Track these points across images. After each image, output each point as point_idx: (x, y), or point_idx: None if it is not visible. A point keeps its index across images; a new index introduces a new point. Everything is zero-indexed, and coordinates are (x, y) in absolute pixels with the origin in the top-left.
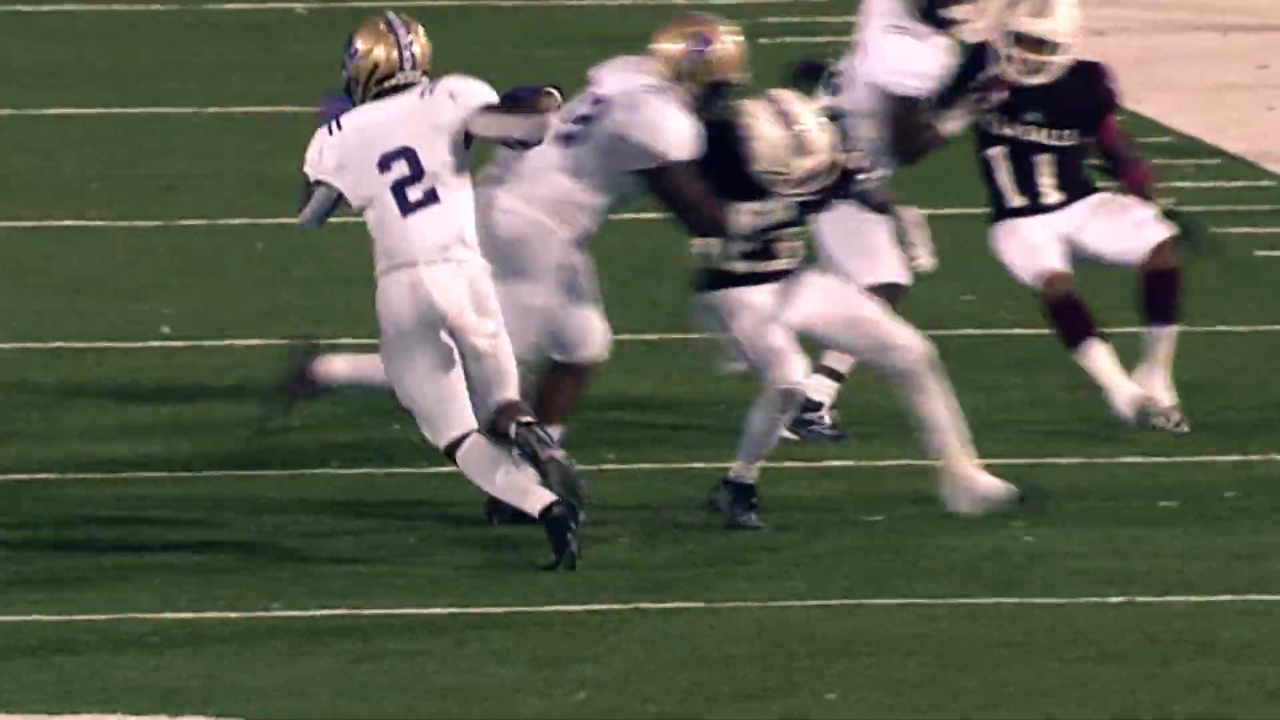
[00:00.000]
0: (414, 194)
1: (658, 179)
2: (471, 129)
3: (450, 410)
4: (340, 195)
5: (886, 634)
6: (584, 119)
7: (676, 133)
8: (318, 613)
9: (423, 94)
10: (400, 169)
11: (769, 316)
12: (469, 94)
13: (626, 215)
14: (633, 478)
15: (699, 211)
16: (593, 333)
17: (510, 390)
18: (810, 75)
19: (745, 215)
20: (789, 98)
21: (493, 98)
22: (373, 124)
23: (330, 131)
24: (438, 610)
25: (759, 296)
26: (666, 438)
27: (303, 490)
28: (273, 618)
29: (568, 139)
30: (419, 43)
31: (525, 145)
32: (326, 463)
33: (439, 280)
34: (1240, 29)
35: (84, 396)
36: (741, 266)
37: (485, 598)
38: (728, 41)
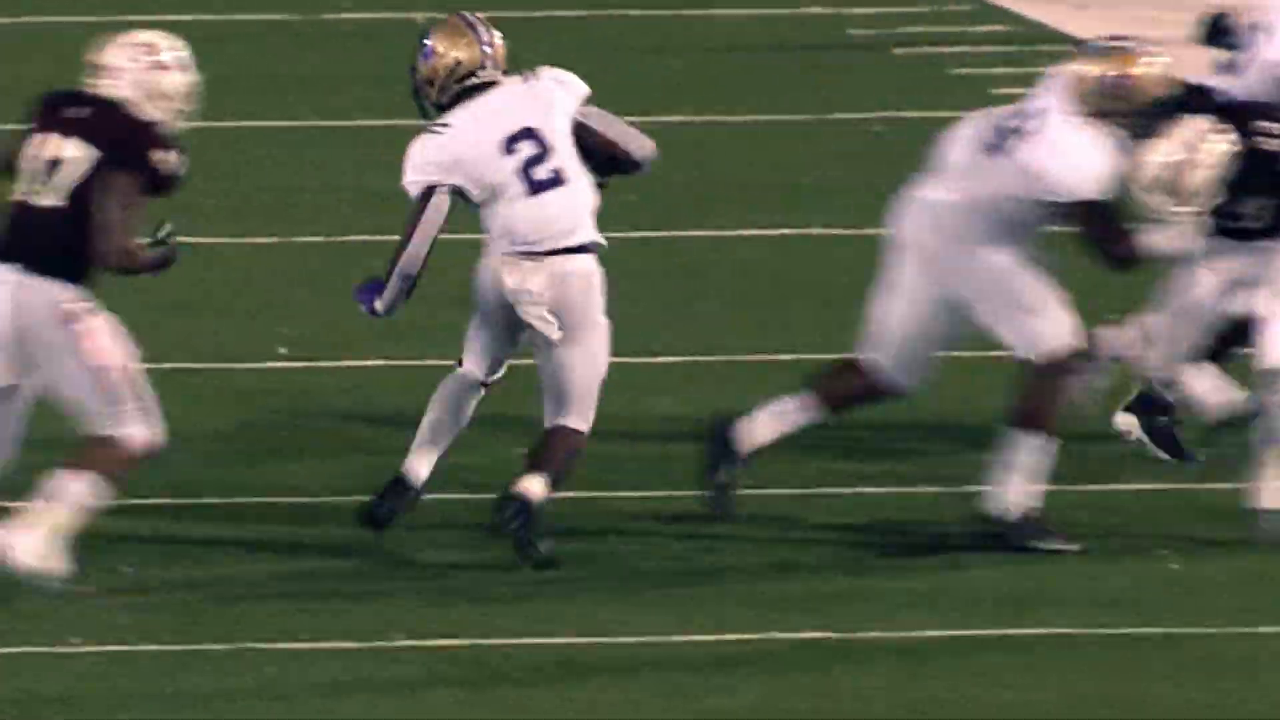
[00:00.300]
0: (541, 173)
1: (1068, 211)
2: (584, 117)
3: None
4: (457, 195)
5: (1027, 665)
6: (1009, 131)
7: (1087, 173)
8: (441, 642)
9: (527, 80)
10: (526, 149)
11: (1201, 303)
12: (574, 83)
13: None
14: (766, 502)
15: (1108, 248)
16: (1062, 325)
17: (563, 416)
18: (1219, 32)
19: (1160, 239)
20: (1195, 133)
21: (588, 91)
22: (486, 111)
23: (432, 134)
24: (562, 640)
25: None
26: (802, 459)
27: (424, 516)
28: (394, 648)
29: (991, 148)
30: (496, 43)
31: (620, 162)
32: (448, 488)
33: (527, 275)
34: None
35: (197, 419)
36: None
37: (612, 628)
38: (1150, 62)
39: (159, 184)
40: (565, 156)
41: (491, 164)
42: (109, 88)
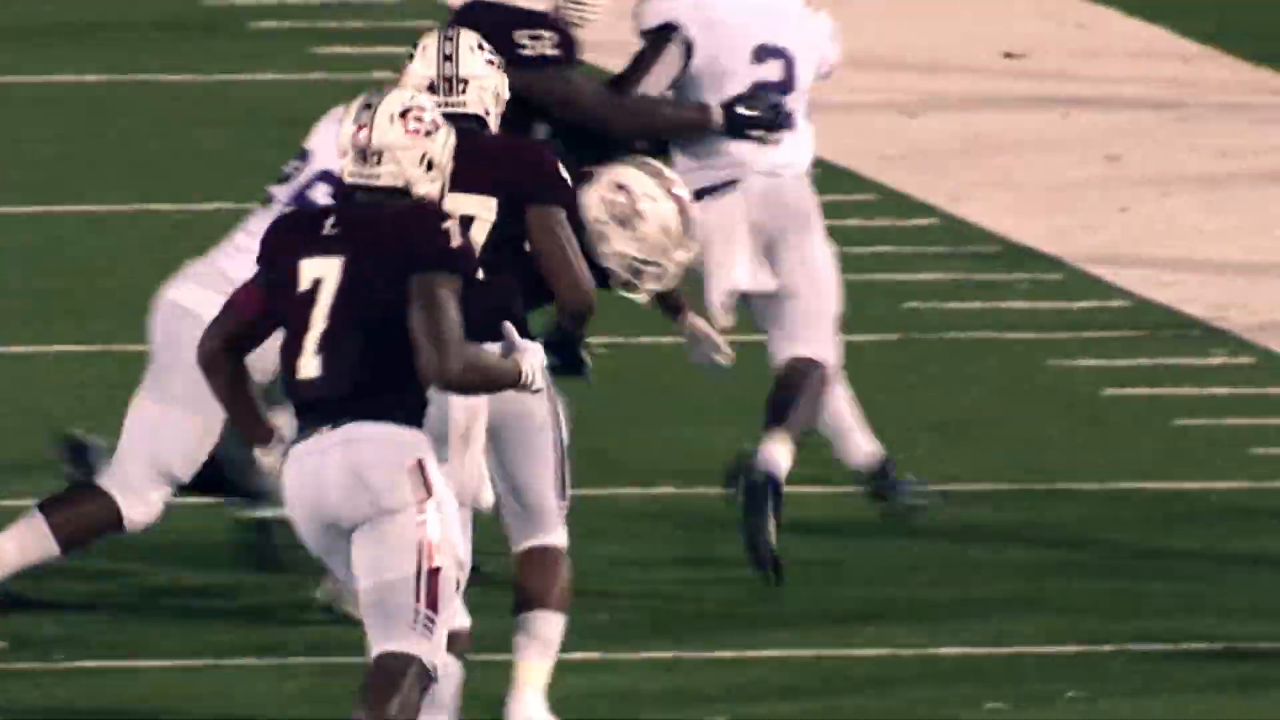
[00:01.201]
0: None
1: None
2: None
3: None
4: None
5: None
6: None
7: None
8: None
9: (807, 3)
10: (772, 70)
11: None
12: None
13: None
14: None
15: None
16: None
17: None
18: None
19: None
20: None
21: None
22: (757, 5)
23: None
24: None
25: None
26: None
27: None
28: None
29: None
30: None
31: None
32: None
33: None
34: (1087, 105)
35: None
36: None
37: None
38: None
39: None
40: (804, 102)
41: (734, 60)
42: None
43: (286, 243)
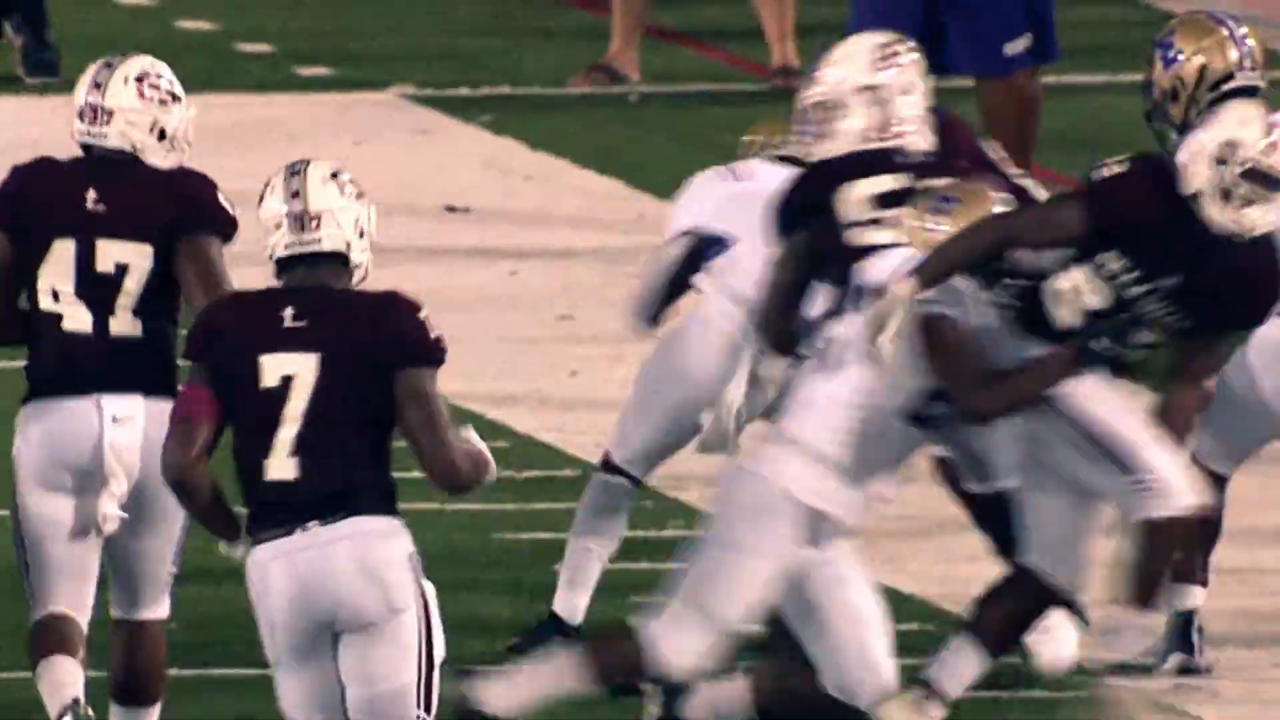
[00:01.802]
0: None
1: None
2: None
3: None
4: None
5: None
6: None
7: None
8: None
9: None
10: None
11: None
12: None
13: None
14: None
15: None
16: None
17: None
18: None
19: None
20: None
21: None
22: None
23: None
24: None
25: None
26: None
27: None
28: None
29: None
30: (1253, 39)
31: None
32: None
33: None
34: (537, 257)
35: None
36: None
37: None
38: None
39: None
40: None
41: None
42: None
43: (234, 334)
